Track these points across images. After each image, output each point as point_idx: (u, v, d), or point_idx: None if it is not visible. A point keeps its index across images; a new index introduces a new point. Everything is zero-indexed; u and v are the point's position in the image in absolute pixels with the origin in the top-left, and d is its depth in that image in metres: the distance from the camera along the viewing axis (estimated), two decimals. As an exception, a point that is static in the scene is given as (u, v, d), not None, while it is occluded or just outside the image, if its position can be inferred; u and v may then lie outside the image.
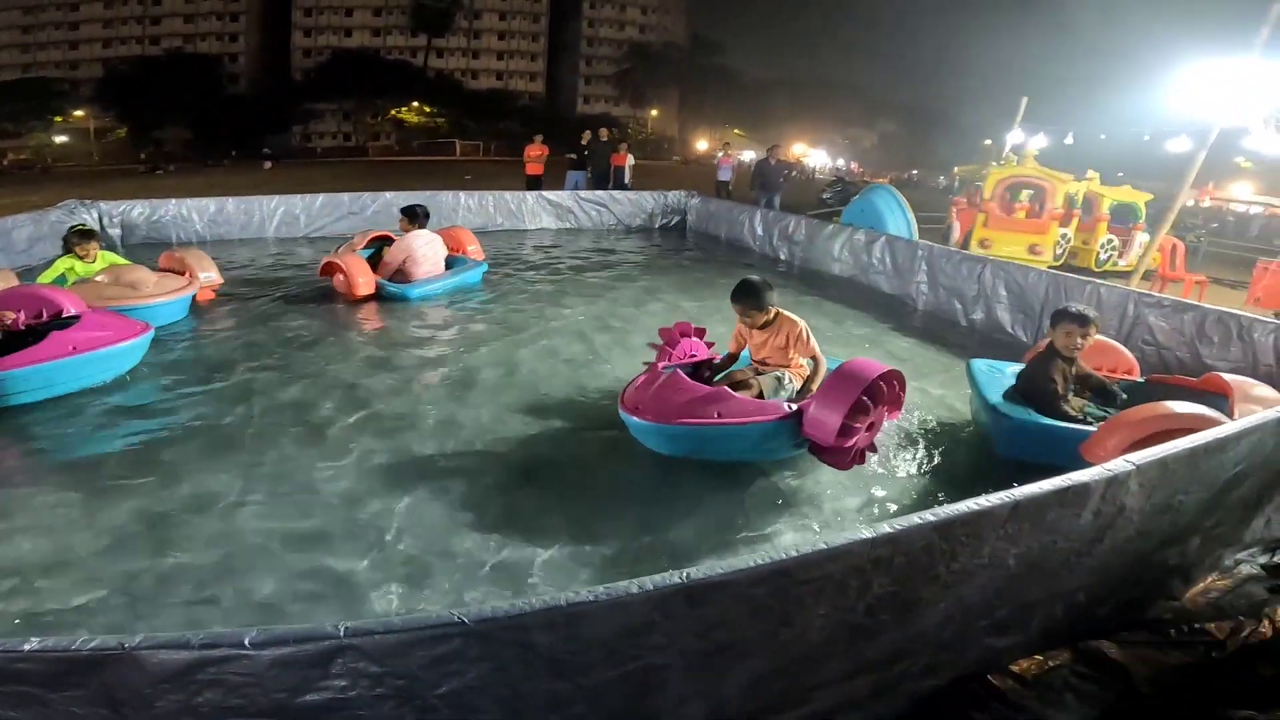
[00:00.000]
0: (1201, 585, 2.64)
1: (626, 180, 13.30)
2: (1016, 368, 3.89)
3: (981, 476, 3.15)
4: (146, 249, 8.12)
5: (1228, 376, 3.56)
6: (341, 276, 6.08)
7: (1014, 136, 12.24)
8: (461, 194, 10.28)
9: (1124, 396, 3.55)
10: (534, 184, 12.87)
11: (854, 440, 2.91)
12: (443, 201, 9.88)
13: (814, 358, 3.51)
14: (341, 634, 1.04)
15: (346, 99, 53.35)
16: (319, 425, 3.61)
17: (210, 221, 8.91)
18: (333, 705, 1.08)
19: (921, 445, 3.63)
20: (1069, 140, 13.41)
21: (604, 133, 13.44)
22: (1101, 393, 3.60)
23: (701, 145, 58.47)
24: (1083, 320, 3.38)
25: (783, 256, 9.12)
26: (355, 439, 3.46)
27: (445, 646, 1.10)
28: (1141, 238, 10.50)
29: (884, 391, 2.99)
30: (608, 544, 2.66)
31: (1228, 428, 2.28)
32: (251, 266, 7.51)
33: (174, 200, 8.88)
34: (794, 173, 14.80)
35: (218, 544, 2.57)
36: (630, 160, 13.58)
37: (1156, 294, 5.03)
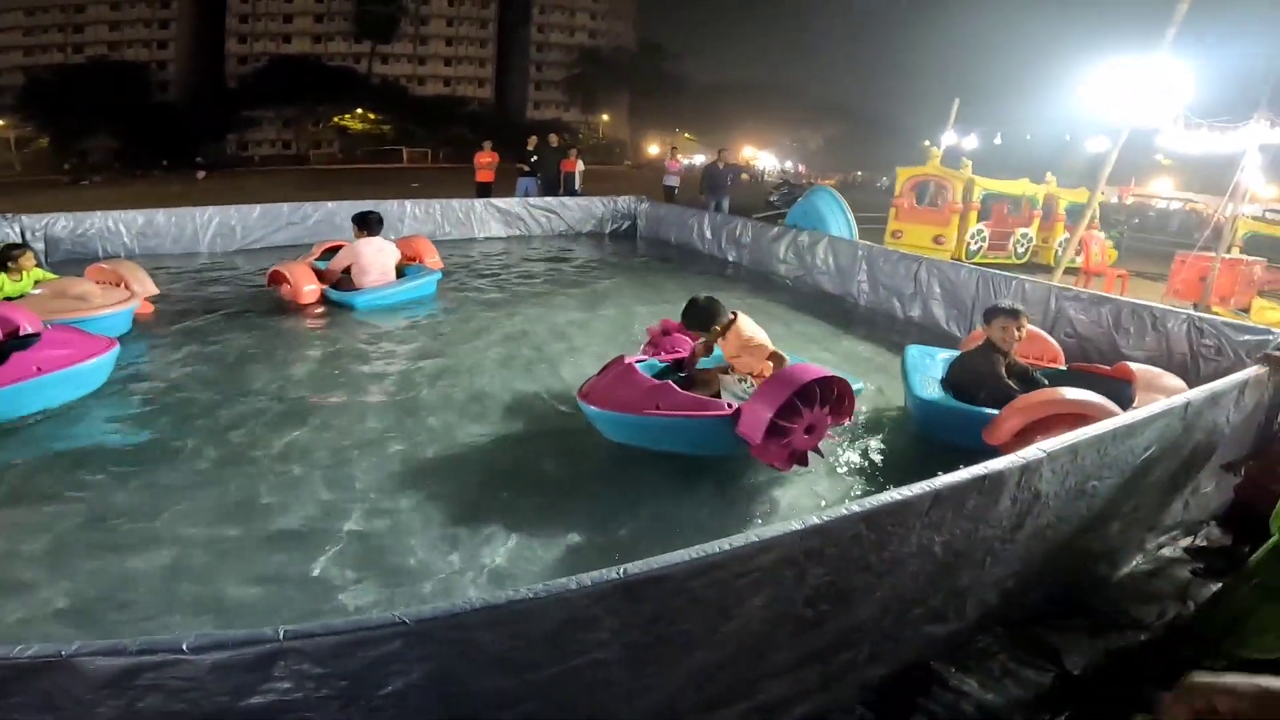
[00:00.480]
0: (1127, 569, 2.81)
1: (577, 186, 13.25)
2: (948, 354, 4.15)
3: (919, 465, 3.29)
4: (71, 265, 7.72)
5: (1135, 366, 3.83)
6: (287, 285, 5.96)
7: (948, 138, 12.77)
8: (408, 202, 10.12)
9: (1045, 383, 3.77)
10: (484, 191, 12.72)
11: (788, 440, 2.99)
12: (389, 210, 9.65)
13: (774, 357, 3.52)
14: (281, 637, 1.06)
15: (286, 106, 51.73)
16: (262, 438, 3.55)
17: (139, 234, 8.51)
18: (276, 708, 1.09)
19: (864, 438, 3.79)
20: (998, 141, 14.12)
21: (553, 139, 13.41)
22: (1025, 379, 3.83)
23: (653, 149, 58.83)
24: (1015, 314, 3.65)
25: (731, 259, 9.30)
26: (303, 451, 3.41)
27: (387, 647, 1.12)
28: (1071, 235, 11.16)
29: (820, 395, 3.05)
30: (558, 544, 2.71)
31: (1134, 414, 2.41)
32: (187, 279, 7.25)
33: (99, 213, 8.43)
34: (743, 175, 15.03)
35: (165, 554, 2.54)
36: (580, 166, 13.53)
37: (1075, 288, 5.35)
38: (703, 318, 3.57)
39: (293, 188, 20.19)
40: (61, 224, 8.08)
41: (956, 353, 4.16)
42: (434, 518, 2.87)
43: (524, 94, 66.09)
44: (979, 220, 11.46)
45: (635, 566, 1.30)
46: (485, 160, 13.22)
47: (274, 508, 2.91)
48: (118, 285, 5.39)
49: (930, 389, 3.75)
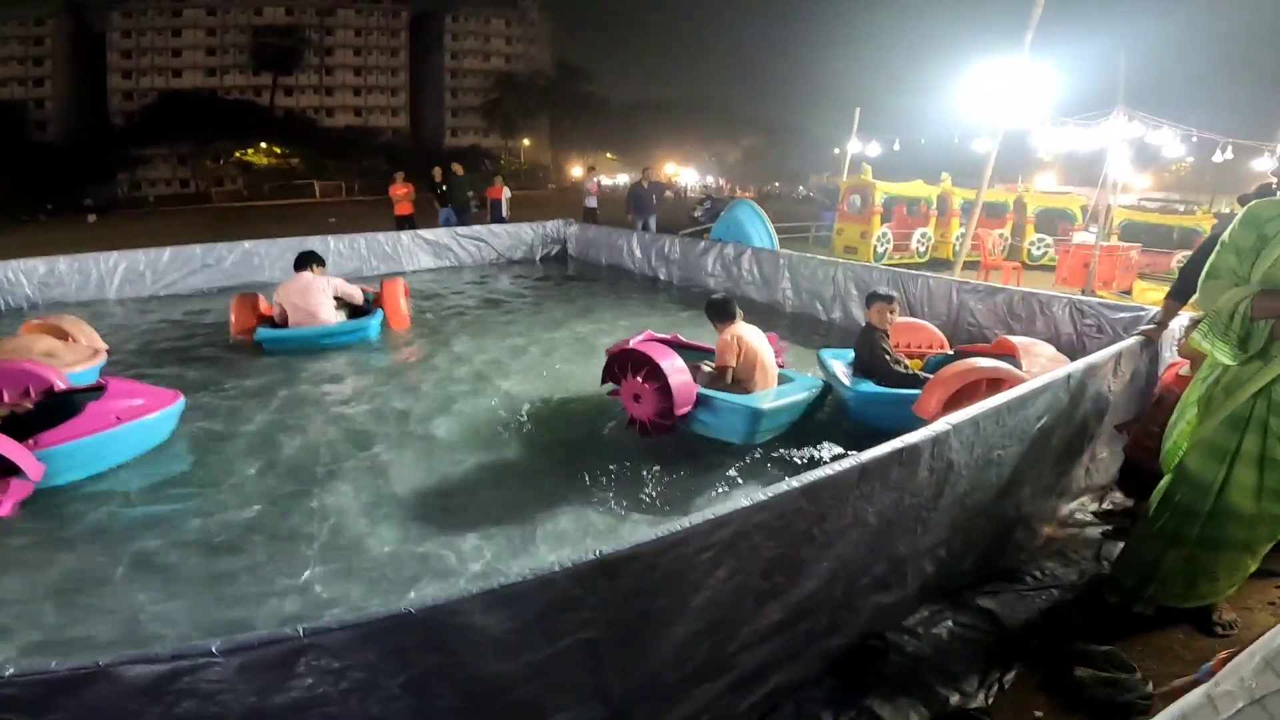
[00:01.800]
0: (1046, 533, 3.11)
1: (504, 213, 13.24)
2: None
3: (850, 446, 3.64)
4: (-34, 321, 7.28)
5: (1014, 339, 4.34)
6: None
7: (852, 146, 13.54)
8: (330, 238, 9.90)
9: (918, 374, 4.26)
10: (405, 224, 12.47)
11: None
12: (310, 248, 9.38)
13: (720, 367, 4.06)
14: (301, 634, 1.15)
15: (180, 142, 49.01)
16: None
17: (41, 284, 8.05)
18: (303, 703, 1.18)
19: (800, 429, 4.13)
20: (896, 147, 15.05)
21: (456, 168, 12.94)
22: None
23: (576, 172, 59.10)
24: (889, 299, 4.25)
25: (661, 276, 9.58)
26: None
27: (397, 638, 1.23)
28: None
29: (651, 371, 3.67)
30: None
31: (1025, 386, 2.70)
32: (116, 330, 6.85)
33: (-4, 264, 7.97)
34: (668, 193, 15.35)
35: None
36: (507, 193, 13.51)
37: (974, 282, 5.87)
38: (723, 309, 4.17)
39: (199, 227, 19.29)
40: (-48, 278, 7.56)
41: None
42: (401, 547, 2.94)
43: (441, 121, 65.23)
44: (882, 223, 12.30)
45: (609, 547, 1.45)
46: (400, 192, 12.96)
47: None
48: (65, 340, 5.04)
49: (855, 379, 4.15)
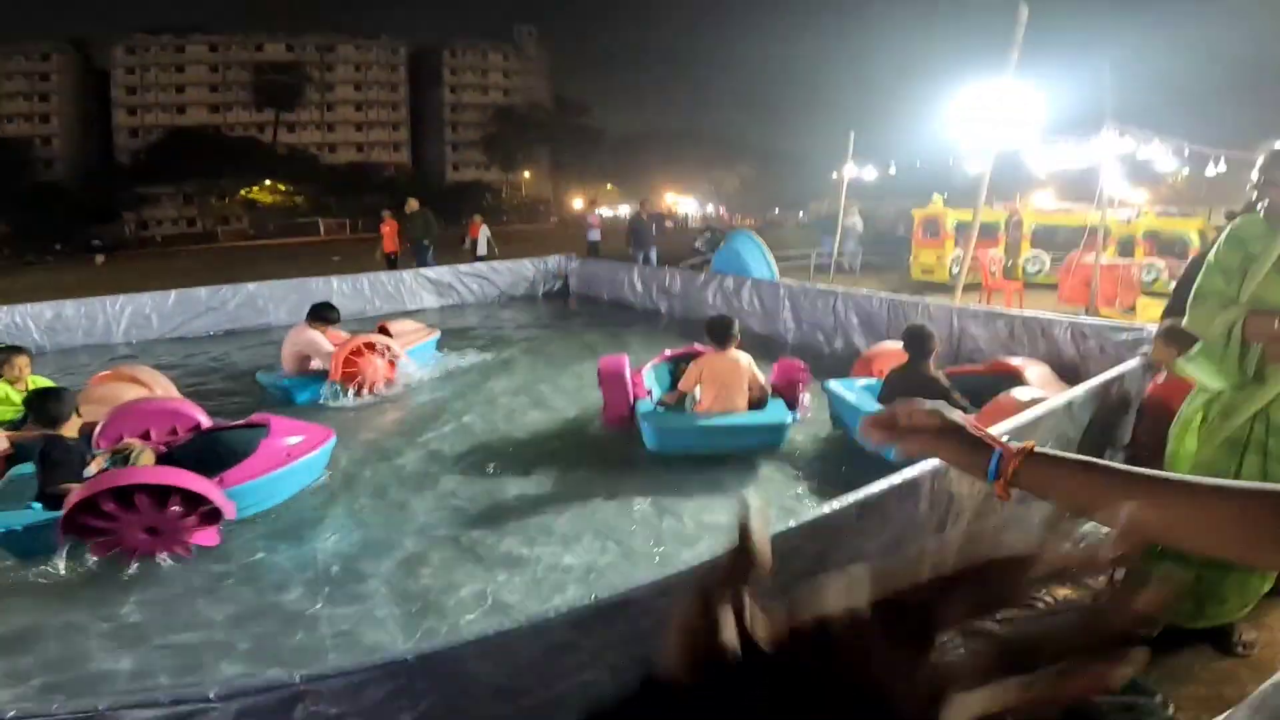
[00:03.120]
0: (1056, 560, 3.10)
1: (481, 251, 12.81)
2: (864, 382, 4.52)
3: (853, 476, 3.61)
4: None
5: (1014, 360, 4.32)
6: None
7: (848, 170, 13.68)
8: (334, 279, 9.91)
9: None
10: (393, 261, 12.31)
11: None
12: (313, 289, 9.42)
13: (680, 390, 4.56)
14: (299, 681, 1.16)
15: (185, 181, 49.24)
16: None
17: (48, 329, 8.14)
18: None
19: (806, 461, 4.14)
20: (892, 170, 15.24)
21: (412, 203, 12.51)
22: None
23: (577, 204, 59.90)
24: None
25: (663, 310, 9.58)
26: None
27: (394, 683, 1.24)
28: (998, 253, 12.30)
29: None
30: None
31: (1027, 414, 2.73)
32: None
33: (4, 308, 8.04)
34: (666, 223, 15.50)
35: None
36: (485, 231, 13.10)
37: (974, 306, 5.90)
38: (713, 331, 4.45)
39: (204, 269, 19.49)
40: (-40, 323, 7.65)
41: (869, 380, 4.56)
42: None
43: (441, 155, 66.20)
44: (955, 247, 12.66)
45: (604, 592, 1.46)
46: (386, 230, 12.85)
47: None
48: (145, 389, 5.00)
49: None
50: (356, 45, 63.70)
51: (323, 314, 6.06)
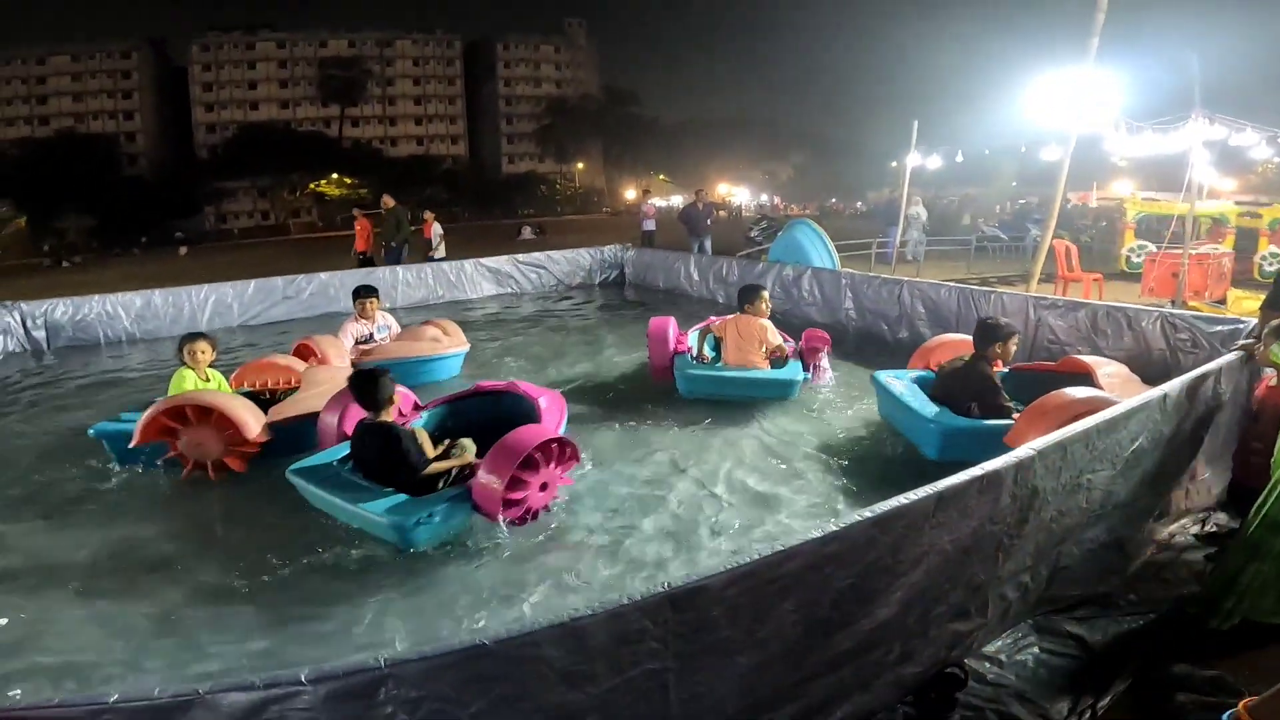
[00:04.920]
0: (1143, 559, 2.93)
1: (432, 253, 11.97)
2: (914, 373, 4.37)
3: (914, 473, 3.48)
4: (75, 352, 7.88)
5: (1085, 358, 4.07)
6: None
7: (912, 159, 13.23)
8: (399, 269, 10.28)
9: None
10: (366, 261, 11.88)
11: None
12: (380, 278, 9.64)
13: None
14: (383, 665, 1.19)
15: (259, 175, 51.47)
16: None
17: (138, 318, 8.58)
18: None
19: (863, 455, 4.01)
20: (959, 158, 14.63)
21: (387, 201, 12.08)
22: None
23: (630, 194, 60.04)
24: (1015, 332, 3.98)
25: (720, 299, 9.51)
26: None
27: (472, 668, 1.25)
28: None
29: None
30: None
31: (1116, 409, 2.56)
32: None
33: (97, 297, 8.52)
34: (720, 212, 15.34)
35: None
36: (438, 229, 12.33)
37: (1051, 296, 5.60)
38: (746, 292, 5.21)
39: (278, 259, 20.37)
40: (60, 310, 8.16)
41: (919, 373, 4.41)
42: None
43: (497, 148, 67.17)
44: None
45: (678, 580, 1.44)
46: (358, 229, 12.37)
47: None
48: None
49: (934, 411, 3.83)
50: (414, 40, 65.13)
51: (357, 294, 5.97)
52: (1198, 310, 6.03)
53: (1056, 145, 8.54)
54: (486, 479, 3.10)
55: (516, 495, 3.15)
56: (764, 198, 59.26)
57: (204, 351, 4.36)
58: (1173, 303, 8.02)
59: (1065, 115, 7.98)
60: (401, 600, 2.77)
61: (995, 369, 3.99)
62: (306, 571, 3.00)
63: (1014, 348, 3.96)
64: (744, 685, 1.68)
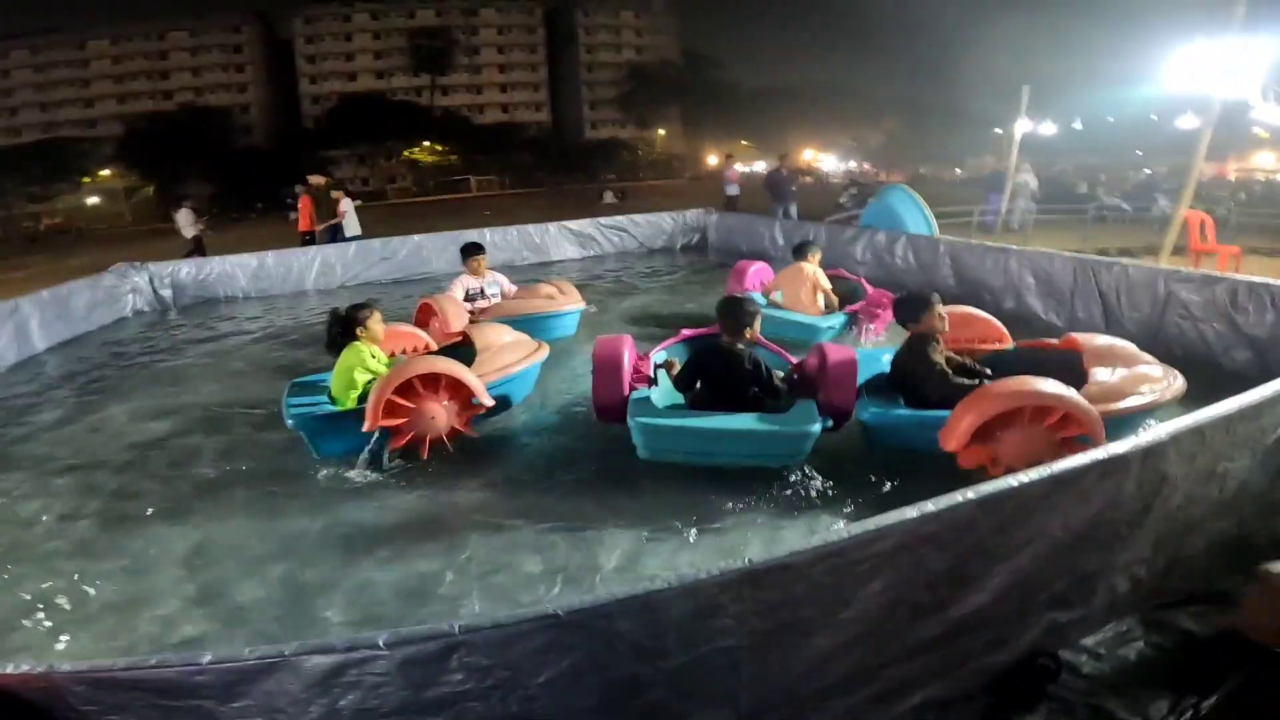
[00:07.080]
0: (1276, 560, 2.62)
1: (344, 231, 11.08)
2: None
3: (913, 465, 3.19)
4: (197, 308, 8.58)
5: (1080, 336, 3.66)
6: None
7: (1021, 125, 12.25)
8: (487, 230, 10.54)
9: (987, 373, 3.50)
10: (309, 241, 11.04)
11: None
12: (471, 239, 9.98)
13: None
14: (457, 631, 1.19)
15: (359, 143, 53.84)
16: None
17: (253, 277, 9.26)
18: (448, 700, 1.22)
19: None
20: (1077, 125, 13.38)
21: (317, 180, 11.76)
22: (965, 371, 3.52)
23: (711, 160, 58.67)
24: (938, 298, 3.42)
25: (805, 264, 9.20)
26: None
27: (543, 638, 1.23)
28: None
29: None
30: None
31: (1260, 392, 2.26)
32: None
33: (217, 259, 9.32)
34: (805, 178, 14.70)
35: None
36: (346, 204, 11.22)
37: (1185, 269, 5.02)
38: (798, 245, 5.77)
39: (375, 223, 21.19)
40: (185, 271, 8.94)
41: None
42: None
43: (579, 114, 67.04)
44: None
45: (759, 556, 1.36)
46: (301, 207, 11.54)
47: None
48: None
49: (880, 397, 3.40)
50: (497, 8, 65.43)
51: (466, 251, 5.91)
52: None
53: (1194, 114, 7.60)
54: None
55: None
56: (851, 164, 56.54)
57: (377, 323, 3.77)
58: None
59: (1208, 82, 7.17)
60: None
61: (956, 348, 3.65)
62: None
63: (940, 312, 3.38)
64: (818, 666, 1.60)
